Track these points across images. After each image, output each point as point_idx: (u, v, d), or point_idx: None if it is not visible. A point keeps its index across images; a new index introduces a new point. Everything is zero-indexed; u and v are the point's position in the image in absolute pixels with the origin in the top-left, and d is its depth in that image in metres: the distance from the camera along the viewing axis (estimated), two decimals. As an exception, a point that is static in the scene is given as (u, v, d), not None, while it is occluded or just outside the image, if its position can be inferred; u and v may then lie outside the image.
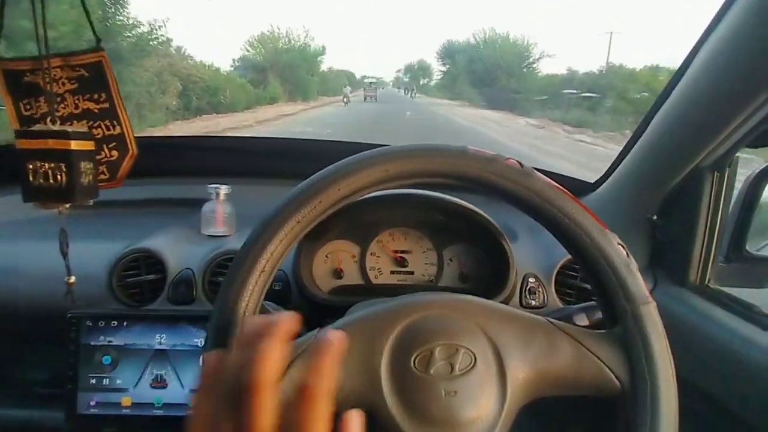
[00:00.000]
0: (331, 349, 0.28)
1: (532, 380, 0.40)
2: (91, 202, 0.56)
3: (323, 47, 36.12)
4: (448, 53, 51.37)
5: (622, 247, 0.41)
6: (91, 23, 0.52)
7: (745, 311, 0.64)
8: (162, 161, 0.97)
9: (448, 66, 51.74)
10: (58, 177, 0.51)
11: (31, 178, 0.52)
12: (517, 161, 0.41)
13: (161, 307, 0.75)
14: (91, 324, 0.70)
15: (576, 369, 0.40)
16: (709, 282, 0.72)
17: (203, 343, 0.71)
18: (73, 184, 0.52)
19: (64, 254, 0.59)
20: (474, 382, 0.38)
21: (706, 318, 0.66)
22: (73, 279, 0.64)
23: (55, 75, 0.54)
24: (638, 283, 0.40)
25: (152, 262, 0.77)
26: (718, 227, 0.69)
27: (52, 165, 0.51)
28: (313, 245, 0.76)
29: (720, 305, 0.67)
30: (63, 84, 0.54)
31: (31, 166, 0.51)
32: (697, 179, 0.68)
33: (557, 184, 0.41)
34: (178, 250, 0.80)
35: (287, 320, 0.28)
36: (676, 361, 0.40)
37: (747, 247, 0.72)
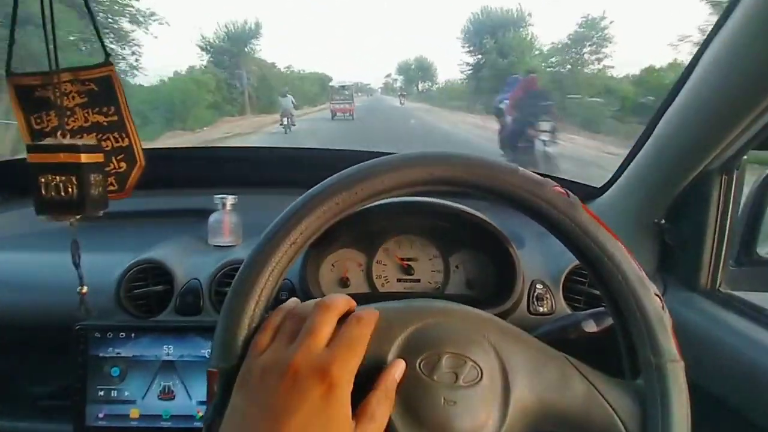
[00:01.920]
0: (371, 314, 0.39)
1: (536, 410, 0.38)
2: (101, 213, 0.57)
3: (258, 24, 23.07)
4: (485, 29, 25.77)
5: (659, 298, 0.40)
6: (100, 39, 0.53)
7: (757, 315, 0.63)
8: (168, 172, 0.98)
9: (481, 57, 26.24)
10: (69, 189, 0.52)
11: (43, 192, 0.53)
12: (565, 190, 0.41)
13: (169, 318, 0.75)
14: (99, 336, 0.71)
15: (584, 412, 0.38)
16: (719, 286, 0.71)
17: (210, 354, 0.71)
18: (83, 196, 0.53)
19: (77, 265, 0.59)
20: (476, 397, 0.37)
21: (717, 322, 0.65)
22: (85, 289, 0.65)
23: (65, 89, 0.55)
24: (669, 340, 0.39)
25: (159, 273, 0.77)
26: (727, 230, 0.69)
27: (63, 178, 0.52)
28: (319, 254, 0.76)
29: (731, 309, 0.66)
30: (73, 98, 0.55)
31: (42, 180, 0.52)
32: (705, 182, 0.68)
33: (601, 221, 0.40)
34: (185, 261, 0.80)
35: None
36: (687, 365, 0.39)
37: (758, 250, 0.71)
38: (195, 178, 1.04)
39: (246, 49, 22.92)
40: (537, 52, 23.70)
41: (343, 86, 22.12)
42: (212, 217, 0.87)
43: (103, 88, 0.55)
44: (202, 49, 22.42)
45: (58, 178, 0.52)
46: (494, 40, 25.44)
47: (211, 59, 22.01)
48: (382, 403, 0.35)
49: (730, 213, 0.68)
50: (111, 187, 0.59)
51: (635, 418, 0.38)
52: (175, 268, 0.77)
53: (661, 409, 0.37)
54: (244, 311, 0.38)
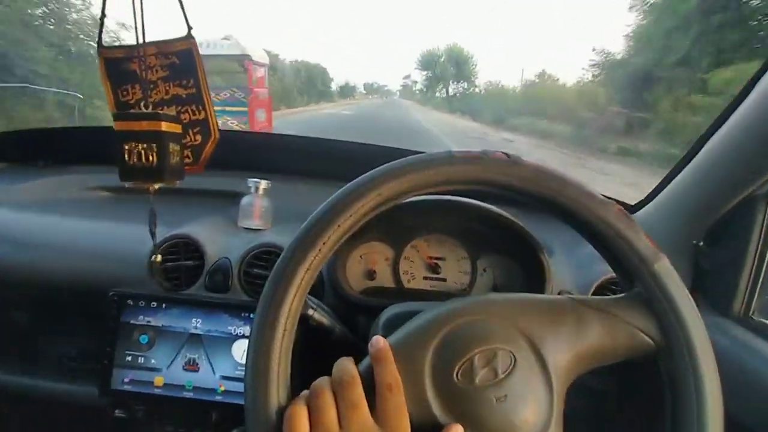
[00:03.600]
0: (383, 351, 0.38)
1: (574, 363, 0.40)
2: (178, 183, 0.58)
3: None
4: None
5: (621, 211, 0.42)
6: (183, 11, 0.55)
7: (792, 347, 0.62)
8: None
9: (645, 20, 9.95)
10: (150, 157, 0.54)
11: (126, 158, 0.55)
12: (503, 153, 0.42)
13: (198, 293, 0.77)
14: (131, 303, 0.73)
15: (609, 338, 0.41)
16: (753, 314, 0.69)
17: (237, 331, 0.73)
18: (163, 164, 0.55)
19: (153, 233, 0.61)
20: (520, 382, 0.38)
21: (748, 349, 0.64)
22: (159, 258, 0.66)
23: (149, 63, 0.56)
24: (645, 242, 0.41)
25: (191, 248, 0.79)
26: (767, 258, 0.67)
27: (145, 145, 0.54)
28: (348, 245, 0.76)
29: (764, 337, 0.64)
30: (156, 71, 0.57)
31: (126, 147, 0.54)
32: (749, 208, 0.66)
33: (550, 168, 0.42)
34: (216, 240, 0.82)
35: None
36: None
37: (797, 282, 0.69)
38: (229, 159, 1.06)
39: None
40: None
41: (241, 61, 8.73)
42: (244, 200, 0.89)
43: (185, 61, 0.56)
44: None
45: (140, 145, 0.54)
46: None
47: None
48: None
49: (771, 241, 0.67)
50: (186, 160, 0.60)
51: (652, 322, 0.41)
52: (207, 246, 0.79)
53: (668, 305, 0.40)
54: (287, 292, 0.39)
